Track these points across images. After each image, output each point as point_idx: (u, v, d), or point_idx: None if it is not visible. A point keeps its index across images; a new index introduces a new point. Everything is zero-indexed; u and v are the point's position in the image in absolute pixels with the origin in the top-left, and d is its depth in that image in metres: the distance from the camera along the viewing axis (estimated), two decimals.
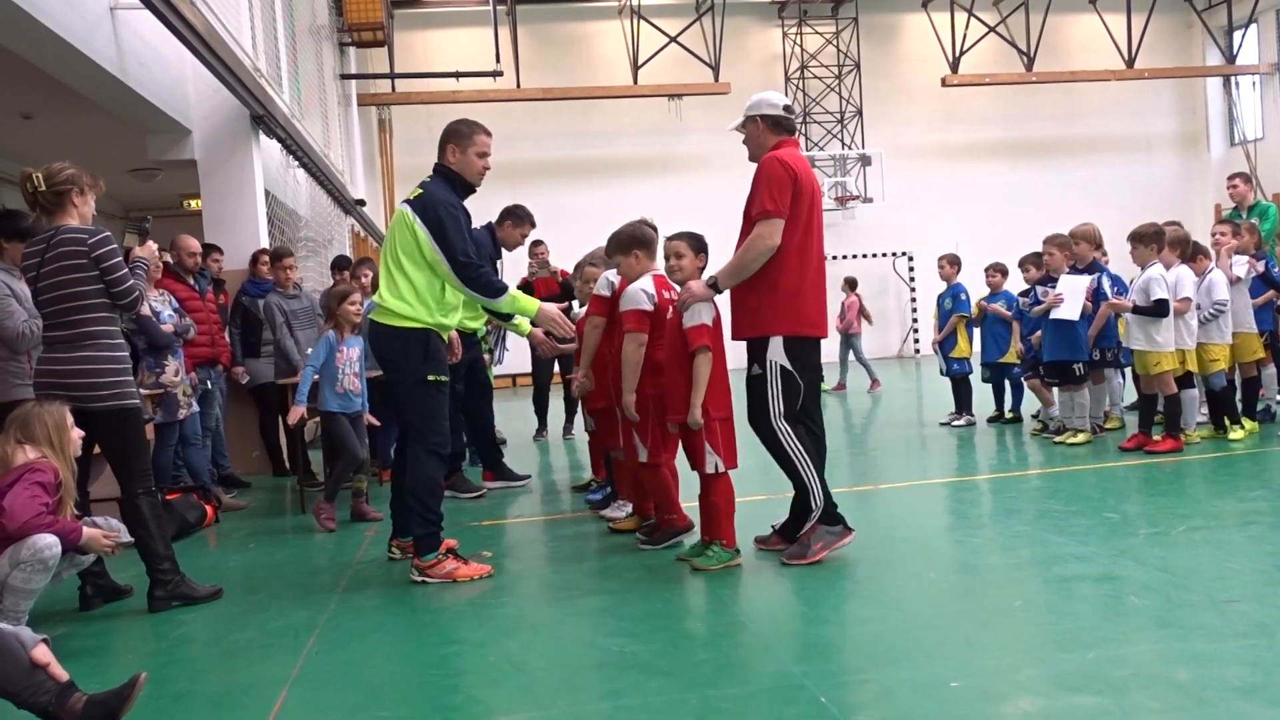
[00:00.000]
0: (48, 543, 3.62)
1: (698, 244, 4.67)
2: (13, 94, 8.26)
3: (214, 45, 6.98)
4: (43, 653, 2.85)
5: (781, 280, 4.42)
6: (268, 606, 4.35)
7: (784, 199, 4.36)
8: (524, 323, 5.33)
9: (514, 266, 8.33)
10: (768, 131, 4.63)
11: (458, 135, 4.71)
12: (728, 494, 4.55)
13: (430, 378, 4.59)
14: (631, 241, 5.03)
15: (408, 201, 4.64)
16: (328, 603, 4.34)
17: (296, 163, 10.61)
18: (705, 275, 4.63)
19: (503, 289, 4.62)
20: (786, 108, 4.65)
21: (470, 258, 4.54)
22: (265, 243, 8.88)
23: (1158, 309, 6.78)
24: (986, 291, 9.04)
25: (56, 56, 6.49)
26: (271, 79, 9.51)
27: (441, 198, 4.58)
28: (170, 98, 8.27)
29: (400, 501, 4.90)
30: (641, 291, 4.88)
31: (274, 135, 9.26)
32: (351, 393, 6.21)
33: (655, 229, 5.14)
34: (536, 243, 9.93)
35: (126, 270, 4.34)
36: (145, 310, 6.39)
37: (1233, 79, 21.66)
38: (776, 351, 4.41)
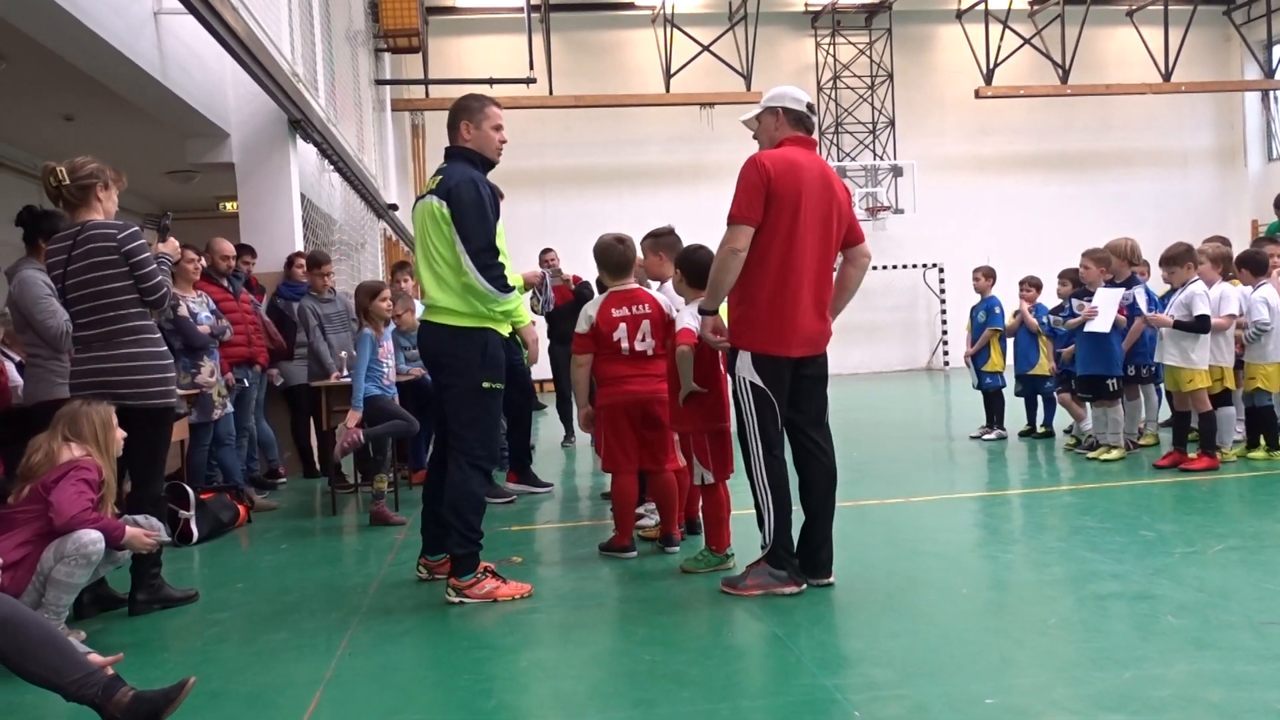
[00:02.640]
0: (92, 538, 3.67)
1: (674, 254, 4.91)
2: (56, 96, 8.38)
3: (254, 50, 7.06)
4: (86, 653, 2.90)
5: (755, 292, 4.12)
6: (300, 607, 4.38)
7: (753, 204, 4.06)
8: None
9: (521, 267, 8.20)
10: (784, 125, 4.30)
11: (469, 110, 4.48)
12: (717, 503, 4.68)
13: (486, 384, 4.33)
14: (598, 255, 5.13)
15: (432, 192, 4.34)
16: (360, 605, 4.37)
17: (332, 167, 10.70)
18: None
19: (511, 289, 4.34)
20: (810, 105, 4.37)
21: (489, 245, 4.26)
22: (300, 246, 8.96)
23: (1199, 325, 6.72)
24: (1019, 305, 8.99)
25: (100, 59, 6.59)
26: (308, 84, 9.60)
27: (466, 175, 4.32)
28: (210, 101, 8.37)
29: (431, 516, 4.61)
30: (583, 315, 5.03)
31: (310, 140, 9.35)
32: (389, 385, 6.36)
33: (628, 247, 5.12)
34: (545, 250, 9.93)
35: (156, 266, 4.28)
36: (183, 311, 6.47)
37: (1272, 93, 21.42)
38: (745, 367, 4.13)
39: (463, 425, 4.35)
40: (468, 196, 4.25)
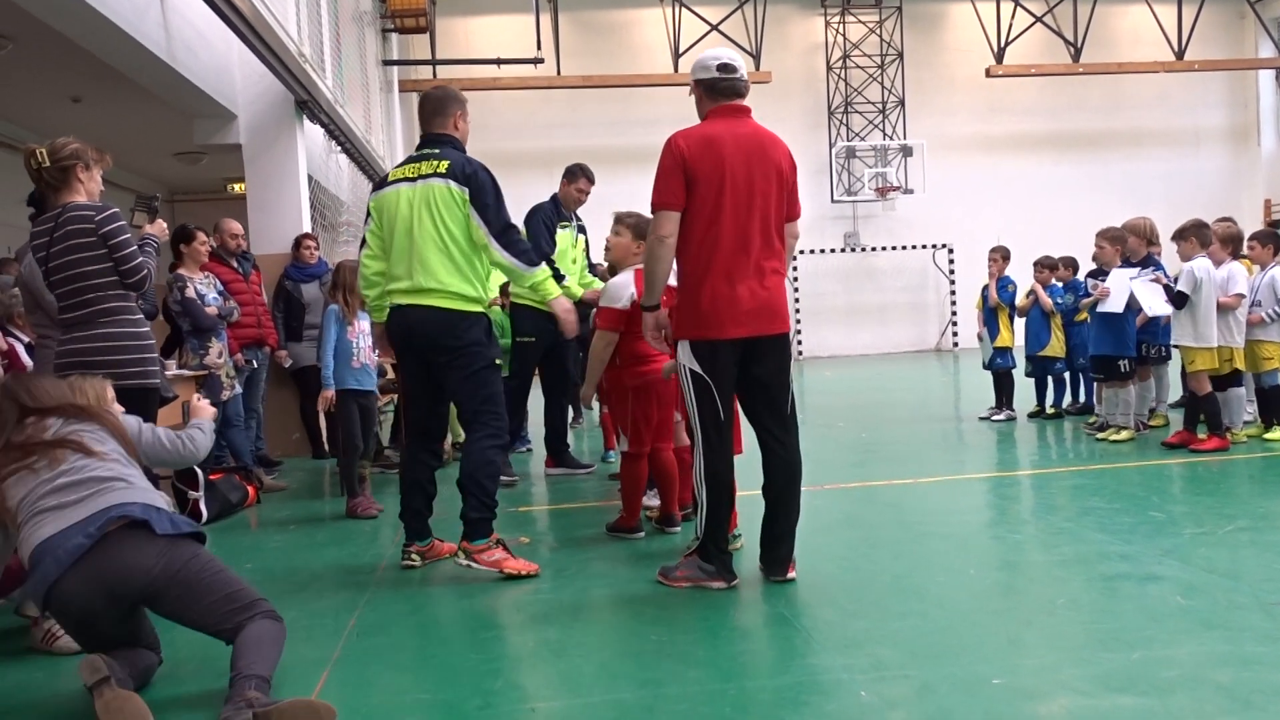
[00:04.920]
0: None
1: (637, 231, 4.88)
2: (63, 77, 8.38)
3: (260, 31, 7.04)
4: None
5: (688, 277, 4.00)
6: (308, 587, 4.40)
7: (669, 188, 3.91)
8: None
9: None
10: (703, 98, 4.12)
11: (462, 103, 4.68)
12: None
13: (497, 361, 4.61)
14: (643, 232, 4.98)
15: (440, 175, 4.41)
16: (368, 584, 4.38)
17: (339, 148, 10.68)
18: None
19: (537, 262, 4.57)
20: (722, 66, 4.08)
21: (509, 223, 4.47)
22: (308, 227, 8.96)
23: (1175, 300, 6.81)
24: (1032, 285, 8.96)
25: (106, 40, 6.58)
26: (315, 64, 9.57)
27: (474, 161, 4.48)
28: (217, 82, 8.36)
29: (413, 504, 4.65)
30: (621, 287, 4.88)
31: (317, 120, 9.33)
32: (368, 366, 6.15)
33: None
34: None
35: (135, 248, 4.22)
36: (191, 293, 6.48)
37: None
38: (685, 354, 4.02)
39: (480, 402, 4.49)
40: (487, 181, 4.44)
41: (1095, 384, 8.38)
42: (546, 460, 7.16)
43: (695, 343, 4.00)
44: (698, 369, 4.00)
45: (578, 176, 7.01)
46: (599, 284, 6.52)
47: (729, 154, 3.95)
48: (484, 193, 4.40)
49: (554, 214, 6.78)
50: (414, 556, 4.68)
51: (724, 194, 3.92)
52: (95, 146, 4.34)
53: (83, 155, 4.22)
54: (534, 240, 6.23)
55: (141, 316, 4.38)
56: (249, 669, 2.81)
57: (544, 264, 4.59)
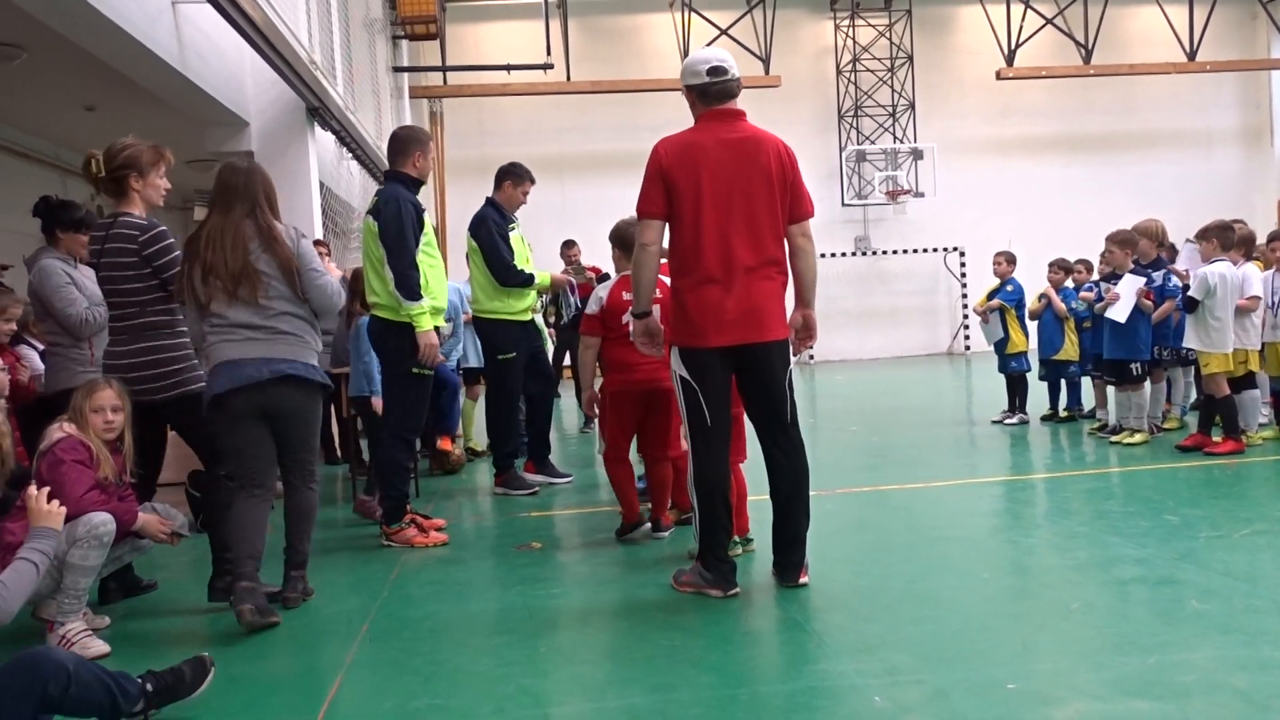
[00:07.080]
0: (102, 519, 3.69)
1: (617, 240, 5.17)
2: (76, 86, 8.43)
3: (272, 38, 7.07)
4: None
5: (677, 284, 4.01)
6: (321, 593, 4.39)
7: (650, 196, 3.93)
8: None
9: (540, 254, 7.94)
10: (696, 102, 4.07)
11: (422, 144, 5.39)
12: (736, 487, 4.57)
13: (414, 371, 5.15)
14: (615, 238, 5.23)
15: (369, 212, 5.28)
16: (380, 590, 4.39)
17: (350, 154, 10.72)
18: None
19: (418, 298, 5.10)
20: (712, 70, 4.01)
21: (402, 255, 5.09)
22: (319, 234, 8.99)
23: (1185, 304, 6.82)
24: (1045, 288, 8.92)
25: (119, 49, 6.61)
26: (326, 72, 9.61)
27: (393, 194, 5.19)
28: (228, 90, 8.39)
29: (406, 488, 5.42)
30: (594, 296, 5.10)
31: (328, 127, 9.37)
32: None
33: None
34: (569, 244, 9.86)
35: (177, 257, 4.21)
36: None
37: None
38: (676, 361, 4.03)
39: (392, 402, 5.27)
40: (391, 216, 5.09)
41: (1095, 387, 8.34)
42: (526, 464, 7.13)
43: (684, 350, 4.00)
44: (686, 375, 3.99)
45: (524, 180, 6.77)
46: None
47: (708, 159, 3.91)
48: (387, 226, 5.08)
49: (502, 221, 6.65)
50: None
51: (703, 200, 3.89)
52: (153, 145, 4.30)
53: (135, 163, 4.22)
54: (494, 251, 6.43)
55: (184, 328, 4.34)
56: (299, 554, 4.18)
57: (423, 300, 5.08)
